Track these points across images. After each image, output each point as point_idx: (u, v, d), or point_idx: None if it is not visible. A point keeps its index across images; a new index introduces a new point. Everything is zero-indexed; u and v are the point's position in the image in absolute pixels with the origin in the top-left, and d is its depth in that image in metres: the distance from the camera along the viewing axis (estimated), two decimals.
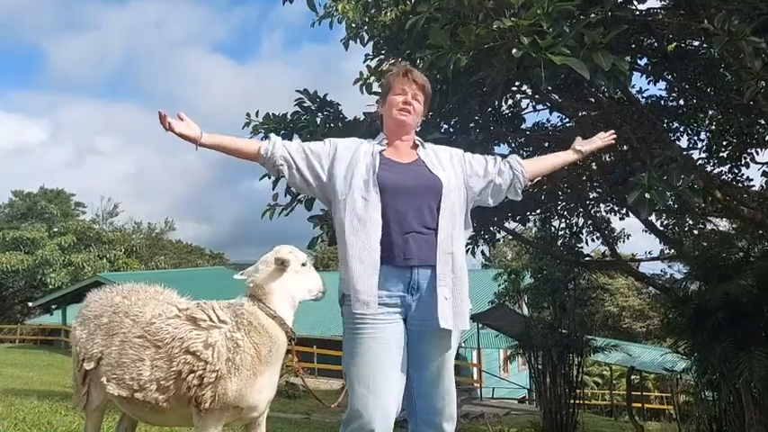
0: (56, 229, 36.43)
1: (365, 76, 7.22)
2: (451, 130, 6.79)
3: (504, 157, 2.73)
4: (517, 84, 6.52)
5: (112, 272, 30.07)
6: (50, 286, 31.00)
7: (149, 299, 2.59)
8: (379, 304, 2.30)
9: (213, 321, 2.39)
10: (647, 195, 4.29)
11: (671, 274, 10.93)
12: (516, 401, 21.42)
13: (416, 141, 2.63)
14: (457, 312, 2.38)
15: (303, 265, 2.51)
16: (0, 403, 5.83)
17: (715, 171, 8.65)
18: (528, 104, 7.89)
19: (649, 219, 8.79)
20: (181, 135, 2.39)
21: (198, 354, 2.33)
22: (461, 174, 2.59)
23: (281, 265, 2.45)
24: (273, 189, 7.17)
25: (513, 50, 3.79)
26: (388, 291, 2.34)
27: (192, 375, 2.32)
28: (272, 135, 2.63)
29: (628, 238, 11.07)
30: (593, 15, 3.88)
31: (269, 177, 7.19)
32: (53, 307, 29.94)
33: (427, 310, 2.37)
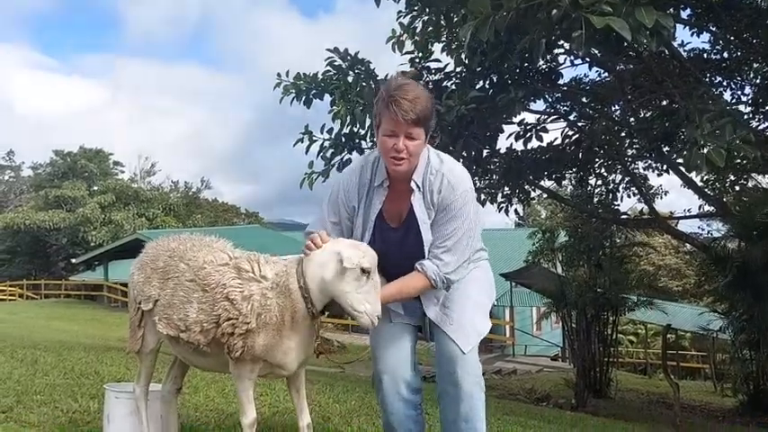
0: (95, 188, 37.27)
1: (398, 34, 7.07)
2: (488, 87, 6.66)
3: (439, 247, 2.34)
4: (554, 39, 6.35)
5: (151, 230, 30.70)
6: (92, 243, 31.88)
7: (204, 246, 2.67)
8: None
9: (254, 274, 2.43)
10: (704, 151, 4.15)
11: (709, 231, 10.74)
12: (549, 359, 21.51)
13: (412, 186, 2.38)
14: (457, 329, 2.44)
15: (363, 271, 2.25)
16: (50, 354, 6.09)
17: (760, 126, 8.37)
18: (565, 59, 7.69)
19: (689, 175, 8.59)
20: None
21: (235, 303, 2.39)
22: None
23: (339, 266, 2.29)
24: (306, 153, 7.19)
25: (554, 11, 3.67)
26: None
27: (227, 323, 2.39)
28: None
29: (666, 194, 10.91)
30: None
31: (301, 142, 7.19)
32: (95, 263, 30.85)
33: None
